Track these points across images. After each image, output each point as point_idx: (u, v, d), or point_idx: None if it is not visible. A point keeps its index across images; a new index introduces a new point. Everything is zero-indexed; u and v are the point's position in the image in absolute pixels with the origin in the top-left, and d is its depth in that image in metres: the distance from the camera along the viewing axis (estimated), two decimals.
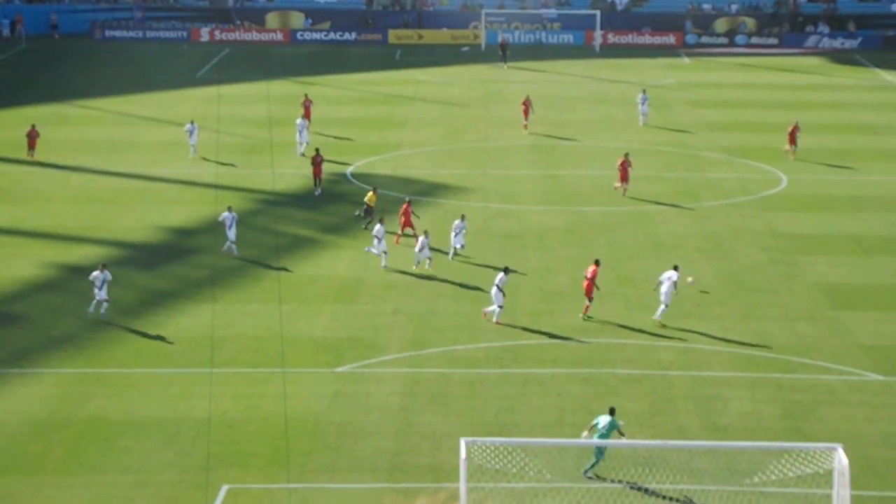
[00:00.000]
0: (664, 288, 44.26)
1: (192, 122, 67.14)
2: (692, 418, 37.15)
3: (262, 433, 36.04)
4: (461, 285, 48.28)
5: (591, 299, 44.88)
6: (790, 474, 31.73)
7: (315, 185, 60.68)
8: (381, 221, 50.88)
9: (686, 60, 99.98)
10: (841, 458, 28.68)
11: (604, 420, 33.47)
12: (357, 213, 56.16)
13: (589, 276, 44.78)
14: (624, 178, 59.57)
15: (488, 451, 31.21)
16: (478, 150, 69.50)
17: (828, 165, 65.88)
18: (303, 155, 66.06)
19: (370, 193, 55.70)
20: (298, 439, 35.49)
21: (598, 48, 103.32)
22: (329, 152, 65.90)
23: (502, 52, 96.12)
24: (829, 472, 29.72)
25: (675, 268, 45.08)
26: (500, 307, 44.30)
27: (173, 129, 72.05)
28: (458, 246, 51.10)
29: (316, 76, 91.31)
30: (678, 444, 34.68)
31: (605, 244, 52.76)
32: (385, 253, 50.14)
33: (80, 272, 48.43)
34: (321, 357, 41.39)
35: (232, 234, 51.26)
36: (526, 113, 73.38)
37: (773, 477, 31.71)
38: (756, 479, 31.79)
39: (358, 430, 36.33)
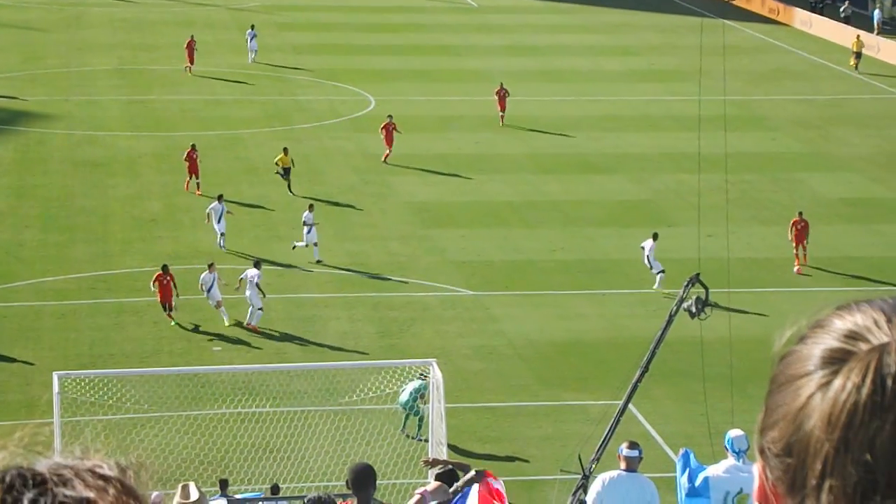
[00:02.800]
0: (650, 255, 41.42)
1: None
2: (291, 340, 37.23)
3: None
4: (49, 214, 46.81)
5: (169, 307, 38.26)
6: (388, 390, 32.23)
7: None
8: (310, 208, 43.93)
9: None
10: (436, 372, 29.31)
11: (412, 385, 32.64)
12: (277, 171, 49.79)
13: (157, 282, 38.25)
14: (502, 107, 59.12)
15: (83, 383, 30.41)
16: (60, 76, 67.39)
17: (414, 86, 66.96)
18: None
19: (281, 154, 49.83)
20: None
21: None
22: None
23: None
24: (425, 386, 30.31)
25: (655, 236, 42.01)
26: (261, 309, 38.16)
27: None
28: (314, 243, 43.05)
29: None
30: (277, 367, 34.73)
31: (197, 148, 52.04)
32: (316, 245, 43.04)
33: None
34: None
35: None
36: (191, 55, 67.88)
37: (371, 394, 32.12)
38: (354, 397, 32.15)
39: None
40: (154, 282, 38.11)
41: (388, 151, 53.63)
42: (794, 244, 43.54)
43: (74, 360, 35.29)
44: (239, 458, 30.50)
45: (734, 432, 17.98)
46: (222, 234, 43.82)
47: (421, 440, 32.11)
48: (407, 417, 32.78)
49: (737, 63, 70.29)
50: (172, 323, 38.14)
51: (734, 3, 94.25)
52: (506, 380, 35.46)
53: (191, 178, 49.29)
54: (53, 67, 69.28)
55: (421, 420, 32.46)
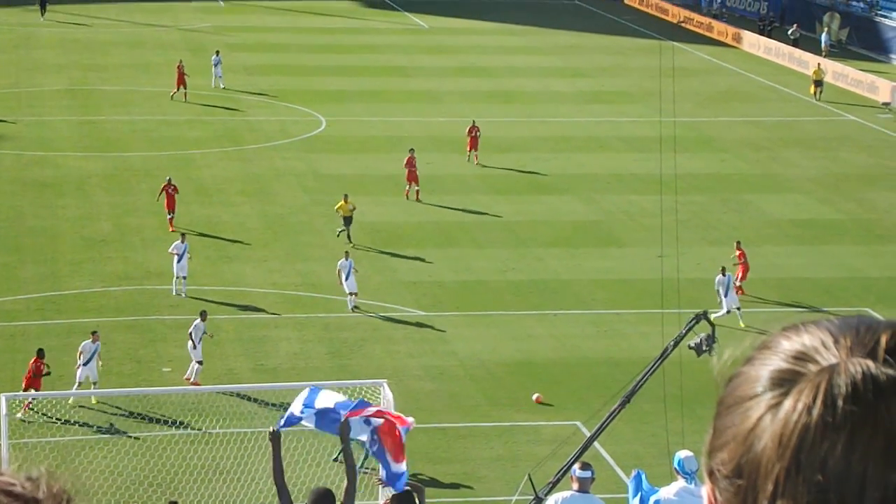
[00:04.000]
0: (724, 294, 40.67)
1: None
2: (241, 361, 37.10)
3: None
4: None
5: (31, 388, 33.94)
6: None
7: None
8: (346, 255, 41.71)
9: (221, 4, 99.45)
10: (386, 393, 29.28)
11: None
12: (339, 230, 46.73)
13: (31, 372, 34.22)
14: (473, 146, 57.10)
15: (31, 405, 30.21)
16: (9, 96, 66.98)
17: (365, 107, 66.98)
18: None
19: (341, 202, 46.97)
20: None
21: None
22: None
23: (41, 5, 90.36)
24: (377, 406, 30.22)
25: (723, 271, 41.28)
26: (200, 363, 35.88)
27: None
28: (352, 292, 41.00)
29: None
30: (227, 388, 34.60)
31: (146, 190, 51.85)
32: (355, 294, 41.01)
33: None
34: None
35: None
36: (182, 80, 65.90)
37: None
38: None
39: None
40: (28, 371, 34.00)
41: (416, 188, 51.78)
42: (739, 276, 43.12)
43: (23, 382, 35.00)
44: (189, 480, 30.33)
45: (683, 453, 18.01)
46: (183, 278, 41.46)
47: (367, 471, 31.94)
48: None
49: (686, 85, 70.70)
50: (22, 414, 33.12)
51: (684, 25, 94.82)
52: (457, 400, 35.44)
53: (171, 214, 47.29)
54: (2, 87, 68.86)
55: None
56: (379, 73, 75.38)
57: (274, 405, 34.08)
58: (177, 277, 41.57)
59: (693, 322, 25.06)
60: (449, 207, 51.34)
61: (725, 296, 40.89)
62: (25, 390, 33.38)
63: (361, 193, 52.64)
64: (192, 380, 35.64)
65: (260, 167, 55.97)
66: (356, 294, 40.97)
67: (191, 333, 35.91)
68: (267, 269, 44.29)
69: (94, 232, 47.38)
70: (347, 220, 46.60)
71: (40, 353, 34.37)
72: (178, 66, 67.00)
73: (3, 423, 27.42)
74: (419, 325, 40.37)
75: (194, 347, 35.74)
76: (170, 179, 48.00)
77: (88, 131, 61.02)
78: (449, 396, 35.69)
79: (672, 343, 24.73)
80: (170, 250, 42.08)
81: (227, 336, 38.71)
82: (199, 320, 36.19)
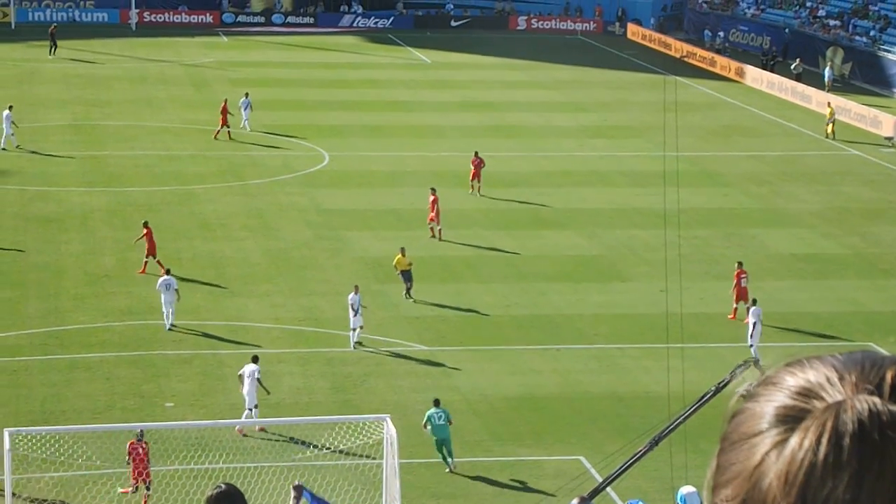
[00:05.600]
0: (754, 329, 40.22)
1: None
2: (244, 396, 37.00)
3: None
4: (0, 270, 46.50)
5: None
6: (341, 446, 32.17)
7: None
8: (356, 289, 40.91)
9: (224, 39, 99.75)
10: (389, 428, 29.24)
11: (436, 413, 33.03)
12: (406, 290, 44.83)
13: None
14: (476, 175, 57.23)
15: (34, 440, 30.24)
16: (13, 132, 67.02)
17: (367, 141, 67.05)
18: None
19: (398, 256, 45.34)
20: None
21: (134, 27, 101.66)
22: None
23: (52, 42, 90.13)
24: (379, 442, 30.24)
25: (754, 301, 41.12)
26: (256, 407, 34.96)
27: None
28: (359, 326, 40.65)
29: None
30: (231, 422, 34.55)
31: (150, 225, 51.81)
32: (361, 328, 40.74)
33: None
34: None
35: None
36: (225, 118, 65.77)
37: (325, 450, 32.06)
38: (308, 453, 32.02)
39: None
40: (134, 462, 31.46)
41: (438, 227, 51.14)
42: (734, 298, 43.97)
43: (26, 417, 35.00)
44: None
45: (686, 489, 18.00)
46: (170, 314, 41.25)
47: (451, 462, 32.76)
48: (441, 448, 33.24)
49: (689, 119, 70.76)
50: None
51: (686, 60, 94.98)
52: (460, 435, 35.34)
53: (148, 258, 46.29)
54: None
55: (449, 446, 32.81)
56: (382, 108, 75.49)
57: (277, 440, 34.05)
58: (165, 314, 41.54)
59: (741, 368, 24.70)
60: (451, 242, 51.32)
61: (754, 327, 40.71)
62: (137, 481, 31.28)
63: (364, 228, 52.68)
64: (242, 430, 34.52)
65: (263, 202, 55.98)
66: (362, 328, 40.83)
67: (242, 375, 35.30)
68: (270, 303, 44.26)
69: (98, 267, 47.36)
70: (406, 275, 44.81)
71: (140, 434, 31.71)
72: (223, 106, 66.38)
73: (6, 458, 27.41)
74: (422, 359, 40.31)
75: (244, 387, 34.96)
76: (145, 223, 47.42)
77: (92, 166, 61.08)
78: (452, 431, 35.58)
79: (713, 388, 24.39)
80: (157, 287, 42.00)
81: (230, 371, 38.64)
82: (253, 365, 35.30)
